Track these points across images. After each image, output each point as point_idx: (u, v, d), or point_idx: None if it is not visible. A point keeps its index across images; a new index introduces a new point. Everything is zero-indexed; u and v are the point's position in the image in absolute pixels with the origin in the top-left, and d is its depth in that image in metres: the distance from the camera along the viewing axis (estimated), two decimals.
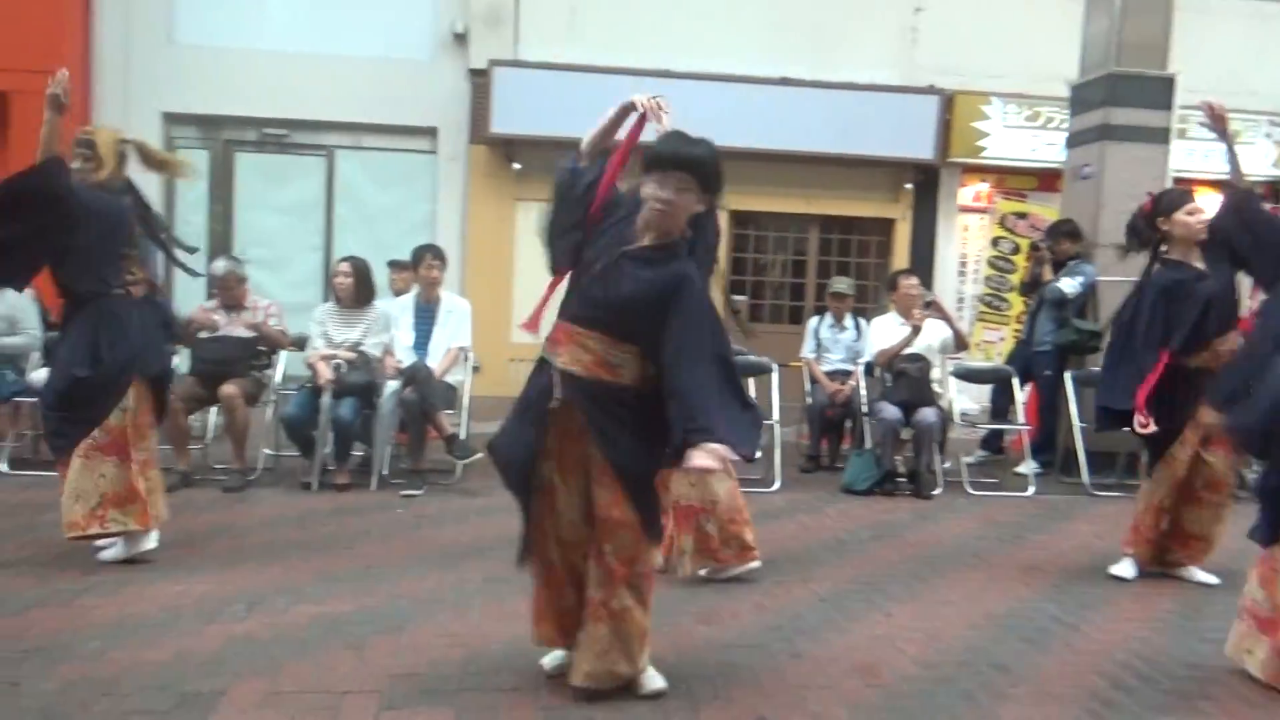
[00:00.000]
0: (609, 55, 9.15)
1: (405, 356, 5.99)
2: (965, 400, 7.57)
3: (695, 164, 2.64)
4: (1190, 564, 4.38)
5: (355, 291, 5.88)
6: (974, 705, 2.93)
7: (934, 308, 6.32)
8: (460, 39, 9.59)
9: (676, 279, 2.67)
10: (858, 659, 3.26)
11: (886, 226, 10.44)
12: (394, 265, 7.39)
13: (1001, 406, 7.04)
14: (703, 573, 4.05)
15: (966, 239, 10.66)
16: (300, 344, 6.07)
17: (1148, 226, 4.34)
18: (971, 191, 10.58)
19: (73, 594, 3.63)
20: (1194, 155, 9.16)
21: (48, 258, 3.86)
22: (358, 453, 5.97)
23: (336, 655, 3.12)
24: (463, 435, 5.94)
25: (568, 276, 2.90)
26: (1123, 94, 6.73)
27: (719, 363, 2.69)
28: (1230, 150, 4.29)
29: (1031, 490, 6.25)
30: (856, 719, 2.81)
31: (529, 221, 9.75)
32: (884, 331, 6.36)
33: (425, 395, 5.67)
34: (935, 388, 6.23)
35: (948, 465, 6.43)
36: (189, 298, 6.99)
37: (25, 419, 6.16)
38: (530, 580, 2.98)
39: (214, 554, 4.24)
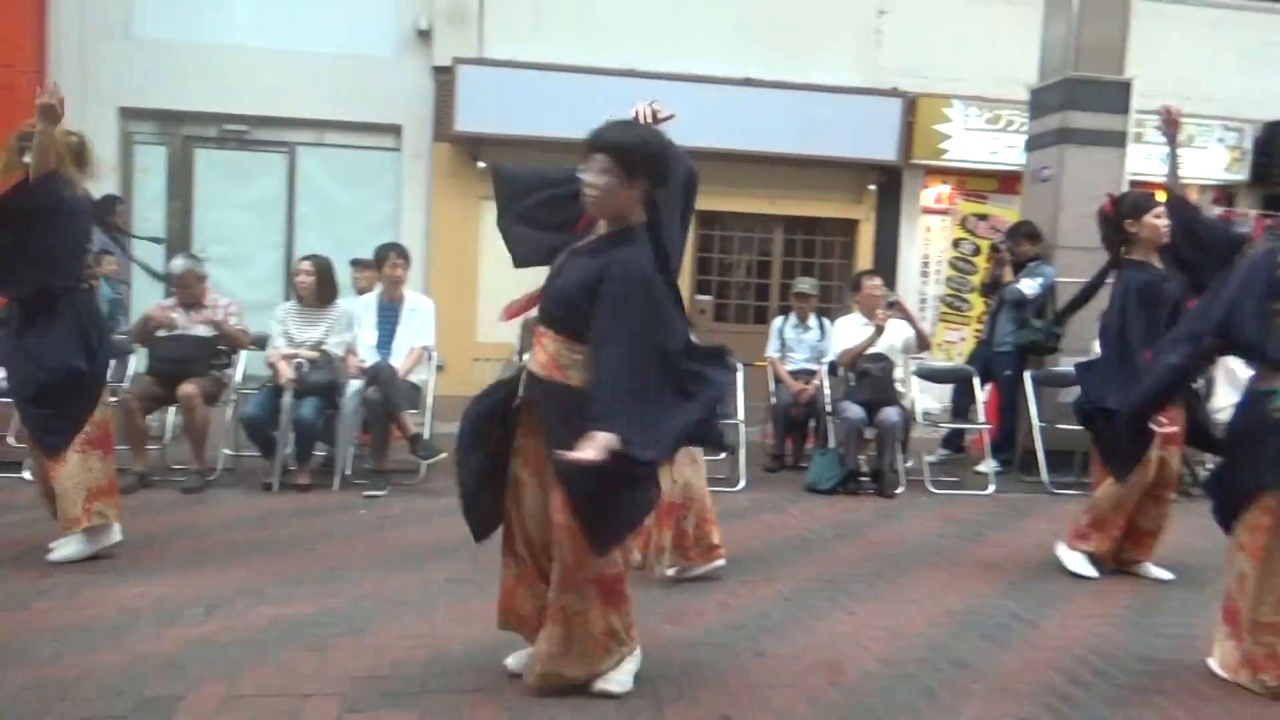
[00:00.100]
0: (574, 54, 9.15)
1: (368, 356, 5.94)
2: (927, 400, 7.65)
3: (611, 146, 2.64)
4: (1145, 560, 4.47)
5: (317, 290, 5.82)
6: (935, 702, 2.97)
7: (897, 308, 6.39)
8: (424, 36, 9.52)
9: (607, 264, 2.63)
10: (821, 657, 3.29)
11: (850, 227, 10.53)
12: (357, 264, 7.32)
13: (962, 406, 7.12)
14: (670, 572, 4.06)
15: (929, 240, 10.78)
16: (261, 343, 6.00)
17: (1113, 228, 4.42)
18: (933, 193, 10.70)
19: (29, 597, 3.56)
20: (1151, 159, 9.31)
21: (38, 263, 3.87)
22: (320, 453, 5.91)
23: (298, 657, 3.08)
24: (426, 435, 5.91)
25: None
26: (1080, 98, 6.84)
27: (648, 353, 2.61)
28: (1174, 155, 4.46)
29: (991, 489, 6.34)
30: (819, 717, 2.83)
31: (494, 220, 9.70)
32: (847, 331, 6.41)
33: (389, 395, 5.63)
34: (898, 387, 6.30)
35: (910, 464, 6.49)
36: (148, 296, 6.89)
37: None
38: (501, 574, 2.99)
39: (173, 556, 4.18)
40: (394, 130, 9.72)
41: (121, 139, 9.26)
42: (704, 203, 10.45)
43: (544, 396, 2.74)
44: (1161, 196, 4.51)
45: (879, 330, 6.09)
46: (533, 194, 2.96)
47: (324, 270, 5.85)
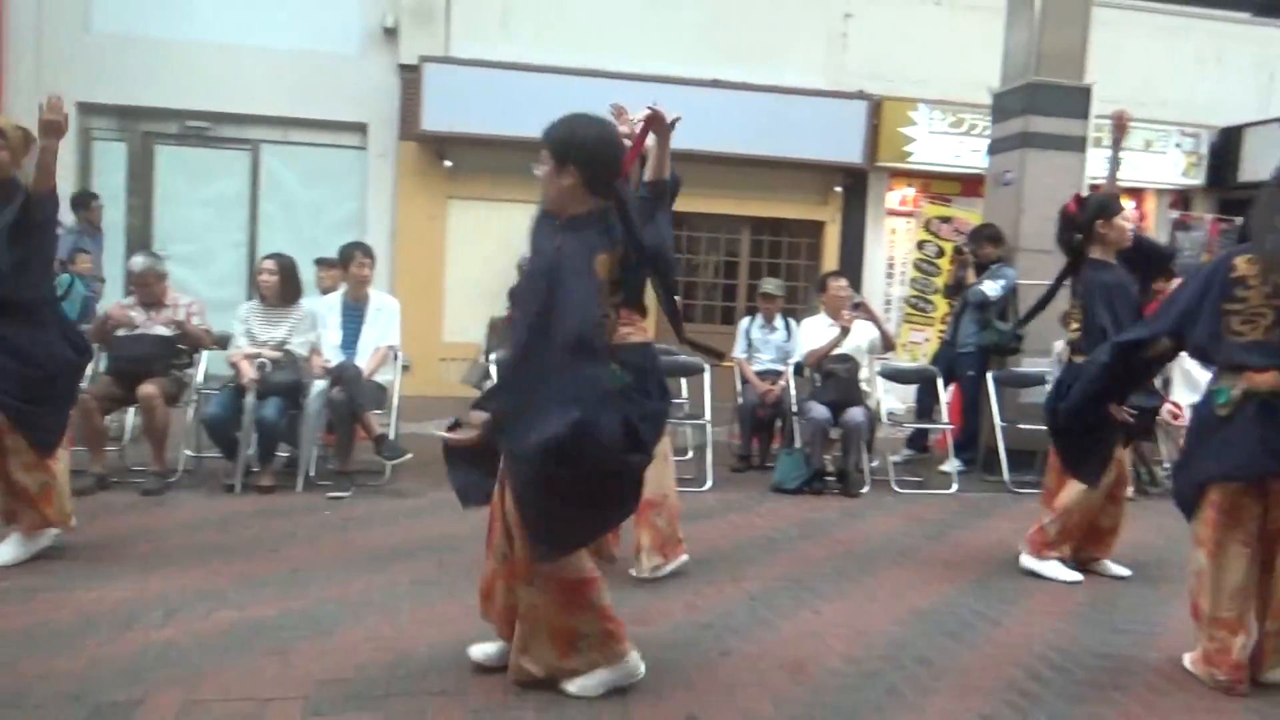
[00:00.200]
0: (542, 54, 9.14)
1: (333, 356, 5.88)
2: (892, 400, 7.74)
3: (546, 138, 2.77)
4: (1104, 558, 4.54)
5: (280, 289, 5.76)
6: (899, 699, 3.00)
7: (862, 309, 6.44)
8: (390, 33, 9.46)
9: (532, 251, 2.72)
10: (787, 656, 3.31)
11: (816, 229, 10.60)
12: (321, 263, 7.27)
13: (926, 406, 7.20)
14: (633, 572, 4.06)
15: (894, 242, 10.88)
16: (223, 343, 5.92)
17: (1078, 228, 4.46)
18: (898, 195, 10.80)
19: None
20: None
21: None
22: (283, 454, 5.84)
23: (259, 661, 3.05)
24: (392, 435, 5.86)
25: None
26: (1042, 103, 6.93)
27: (534, 345, 2.66)
28: (1116, 159, 4.57)
29: (955, 488, 6.40)
30: (784, 715, 2.85)
31: (460, 219, 9.68)
32: (813, 332, 6.45)
33: (353, 395, 5.58)
34: (863, 388, 6.34)
35: (875, 464, 6.54)
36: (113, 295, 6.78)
37: None
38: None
39: (131, 559, 4.10)
40: (359, 128, 9.64)
41: (80, 135, 9.09)
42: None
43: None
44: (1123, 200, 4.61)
45: (844, 331, 6.13)
46: None
47: (287, 269, 5.79)
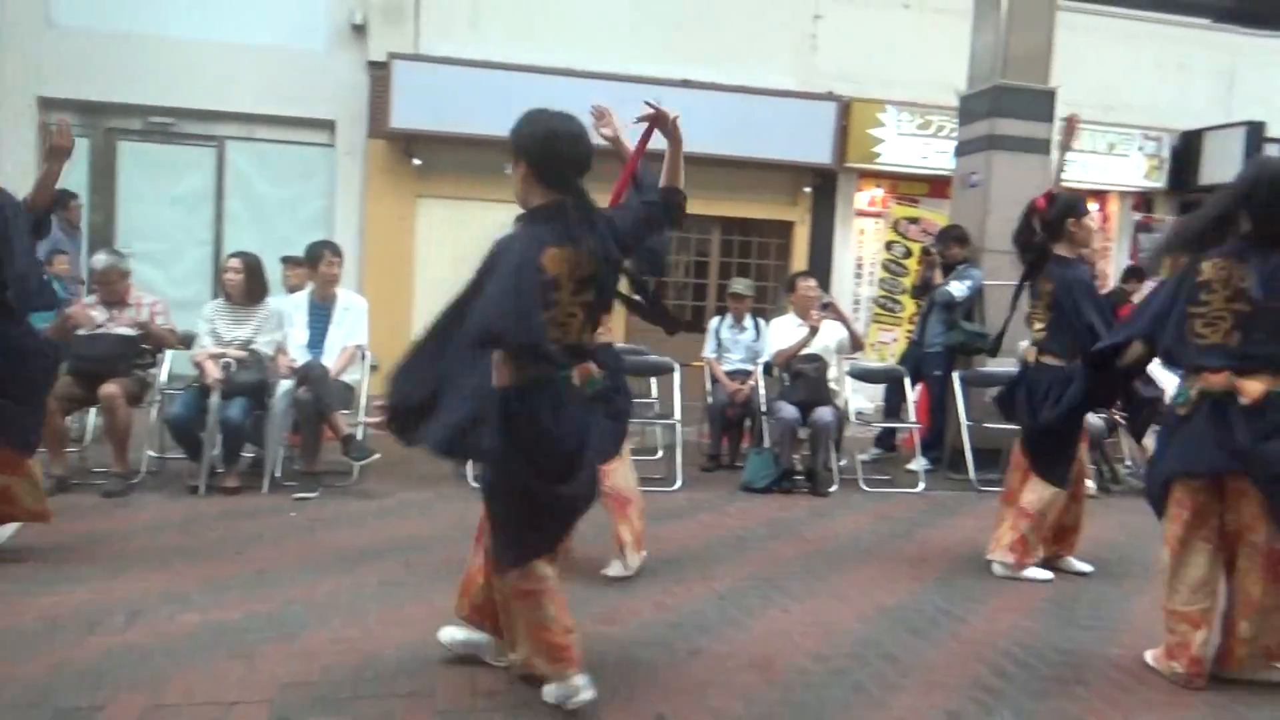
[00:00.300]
0: (511, 52, 9.09)
1: (300, 355, 5.83)
2: (860, 399, 7.78)
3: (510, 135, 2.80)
4: (1068, 555, 4.60)
5: (246, 288, 5.70)
6: (865, 696, 3.02)
7: (831, 309, 6.48)
8: (359, 30, 9.37)
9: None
10: (755, 654, 3.32)
11: (785, 229, 10.64)
12: (288, 261, 7.19)
13: (894, 405, 7.25)
14: (605, 571, 4.07)
15: (862, 242, 10.94)
16: (188, 342, 5.85)
17: (1045, 225, 4.50)
18: (867, 196, 10.87)
19: None
20: (1073, 166, 9.60)
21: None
22: (248, 454, 5.77)
23: (224, 665, 3.01)
24: (359, 436, 5.81)
25: None
26: (1008, 105, 7.01)
27: (446, 331, 2.65)
28: (1062, 161, 4.66)
29: (921, 486, 6.46)
30: (753, 713, 2.86)
31: (430, 218, 9.62)
32: (782, 332, 6.48)
33: (320, 395, 5.53)
34: (832, 387, 6.38)
35: (843, 463, 6.59)
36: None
37: None
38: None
39: (94, 561, 4.04)
40: (327, 126, 9.54)
41: (40, 130, 8.93)
42: None
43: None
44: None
45: (813, 331, 6.16)
46: None
47: (253, 268, 5.73)
